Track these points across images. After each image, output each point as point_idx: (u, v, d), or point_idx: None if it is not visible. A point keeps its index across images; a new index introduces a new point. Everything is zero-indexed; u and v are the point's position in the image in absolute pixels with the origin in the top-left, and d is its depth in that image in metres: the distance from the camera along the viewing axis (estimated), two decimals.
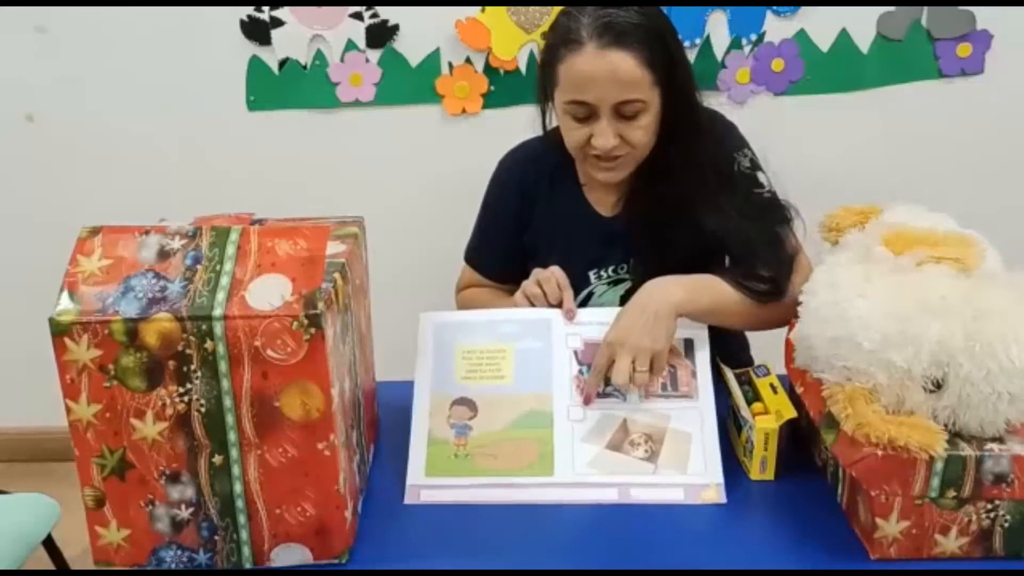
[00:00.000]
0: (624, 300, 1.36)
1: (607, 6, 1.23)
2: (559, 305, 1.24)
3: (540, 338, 1.21)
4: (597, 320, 1.21)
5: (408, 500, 1.10)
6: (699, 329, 1.21)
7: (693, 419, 1.14)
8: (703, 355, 1.19)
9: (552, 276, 1.26)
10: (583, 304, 1.39)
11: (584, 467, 1.11)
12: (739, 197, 1.32)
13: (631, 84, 1.22)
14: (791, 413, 1.11)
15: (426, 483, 1.11)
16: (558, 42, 1.26)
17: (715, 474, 1.10)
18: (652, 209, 1.34)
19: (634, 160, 1.31)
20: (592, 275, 1.41)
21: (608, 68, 1.21)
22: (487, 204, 1.52)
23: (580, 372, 1.18)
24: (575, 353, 1.20)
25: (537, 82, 1.36)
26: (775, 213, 1.35)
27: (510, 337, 1.21)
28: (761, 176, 1.37)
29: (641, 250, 1.38)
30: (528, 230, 1.46)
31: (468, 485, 1.10)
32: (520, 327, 1.22)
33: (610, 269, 1.41)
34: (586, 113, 1.25)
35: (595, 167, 1.32)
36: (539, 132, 1.43)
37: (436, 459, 1.13)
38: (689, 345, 1.20)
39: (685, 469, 1.10)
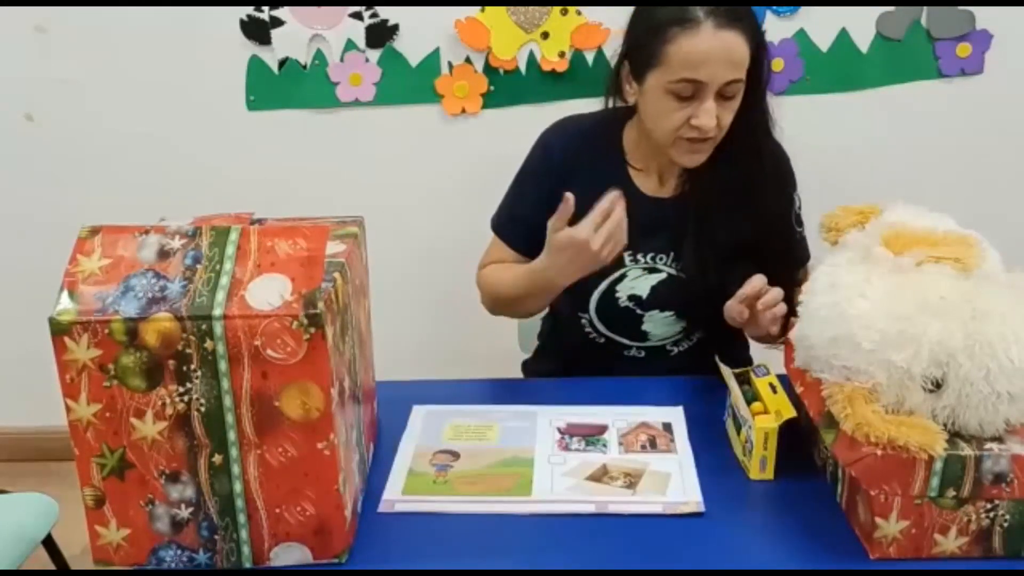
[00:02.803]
0: (655, 292, 1.37)
1: None
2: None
3: (526, 420, 1.25)
4: (579, 415, 1.26)
5: (381, 509, 1.08)
6: (676, 412, 1.26)
7: (672, 464, 1.15)
8: (680, 430, 1.22)
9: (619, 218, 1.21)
10: (614, 285, 1.39)
11: (563, 491, 1.11)
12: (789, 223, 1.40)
13: (740, 64, 1.25)
14: (790, 413, 1.11)
15: (401, 499, 1.10)
16: (668, 21, 1.25)
17: (694, 495, 1.09)
18: (712, 189, 1.35)
19: (714, 144, 1.32)
20: (627, 257, 1.38)
21: (724, 47, 1.23)
22: (522, 175, 1.47)
23: (563, 438, 1.20)
24: (558, 429, 1.23)
25: (613, 69, 1.36)
26: (803, 252, 1.45)
27: (497, 418, 1.25)
28: (802, 216, 1.44)
29: (692, 232, 1.36)
30: None
31: (444, 502, 1.09)
32: (507, 415, 1.26)
33: (648, 256, 1.39)
34: (692, 92, 1.25)
35: (685, 151, 1.31)
36: (546, 129, 1.44)
37: (414, 484, 1.12)
38: (668, 427, 1.23)
39: (664, 494, 1.10)
